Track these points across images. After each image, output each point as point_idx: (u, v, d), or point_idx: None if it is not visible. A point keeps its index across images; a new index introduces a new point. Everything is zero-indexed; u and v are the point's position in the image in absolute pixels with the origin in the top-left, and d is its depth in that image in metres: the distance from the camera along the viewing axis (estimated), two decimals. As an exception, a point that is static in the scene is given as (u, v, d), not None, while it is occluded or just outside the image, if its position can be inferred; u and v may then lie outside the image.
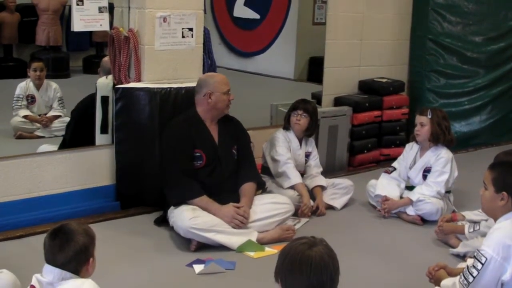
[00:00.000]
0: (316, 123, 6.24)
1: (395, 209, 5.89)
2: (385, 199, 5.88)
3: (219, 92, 5.32)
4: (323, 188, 6.12)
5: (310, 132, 6.17)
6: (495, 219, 3.85)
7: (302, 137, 6.17)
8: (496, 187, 3.79)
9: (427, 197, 5.75)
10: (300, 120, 6.03)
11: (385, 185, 6.02)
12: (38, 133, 7.61)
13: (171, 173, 5.22)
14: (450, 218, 5.36)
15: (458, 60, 8.59)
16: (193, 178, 5.21)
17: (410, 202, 5.82)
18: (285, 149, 6.01)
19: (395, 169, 6.12)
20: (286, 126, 6.14)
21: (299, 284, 2.64)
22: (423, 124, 5.89)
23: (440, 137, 5.86)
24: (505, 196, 3.75)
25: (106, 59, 6.44)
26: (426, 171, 5.92)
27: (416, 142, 6.06)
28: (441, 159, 5.86)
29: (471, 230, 4.99)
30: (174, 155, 5.24)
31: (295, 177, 5.95)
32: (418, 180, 5.95)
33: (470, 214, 5.28)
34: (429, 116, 5.86)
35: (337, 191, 6.19)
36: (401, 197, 5.95)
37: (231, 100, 5.42)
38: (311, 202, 5.94)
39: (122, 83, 5.75)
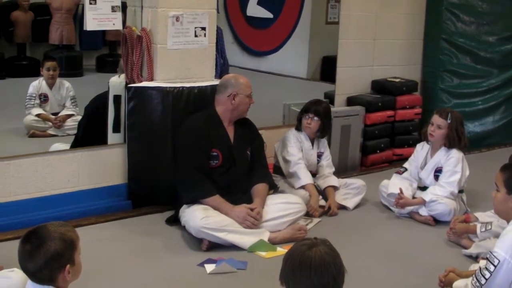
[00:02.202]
0: (328, 125, 6.21)
1: (408, 208, 5.87)
2: (400, 197, 5.84)
3: (244, 94, 5.35)
4: (335, 188, 6.10)
5: (322, 133, 6.16)
6: (508, 221, 3.83)
7: (314, 138, 6.16)
8: (508, 189, 3.77)
9: (440, 197, 5.73)
10: (311, 123, 6.02)
11: (397, 184, 5.98)
12: (50, 131, 7.64)
13: (186, 171, 5.22)
14: (464, 219, 5.34)
15: (471, 60, 8.56)
16: (207, 177, 5.21)
17: (423, 202, 5.79)
18: (296, 150, 6.01)
19: (406, 169, 6.10)
20: (298, 127, 6.13)
21: (301, 285, 2.63)
22: (440, 127, 5.83)
23: (456, 142, 5.83)
24: (517, 198, 3.74)
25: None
26: (438, 172, 5.89)
27: (427, 141, 6.03)
28: (451, 159, 5.83)
29: (483, 229, 4.97)
30: (190, 152, 5.24)
31: (305, 178, 5.94)
32: (429, 181, 5.93)
33: (483, 216, 5.25)
34: (449, 121, 5.80)
35: (350, 191, 6.17)
36: (413, 197, 5.92)
37: (253, 103, 5.46)
38: (324, 202, 5.94)
39: (134, 82, 5.75)
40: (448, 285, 4.11)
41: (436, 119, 5.88)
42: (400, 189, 5.85)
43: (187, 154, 5.26)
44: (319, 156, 6.20)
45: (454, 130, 5.82)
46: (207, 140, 5.28)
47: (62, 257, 2.91)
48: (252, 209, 5.15)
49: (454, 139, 5.82)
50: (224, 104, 5.38)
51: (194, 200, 5.15)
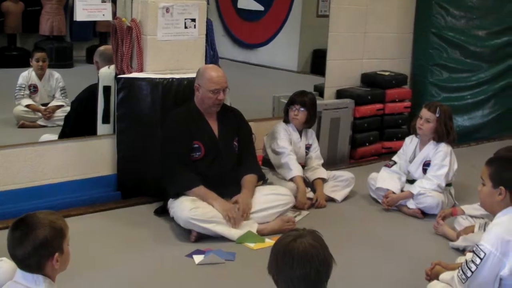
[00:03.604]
0: (315, 115, 6.22)
1: (396, 203, 5.90)
2: (386, 196, 5.89)
3: (205, 88, 5.29)
4: (324, 180, 6.12)
5: (309, 124, 6.18)
6: (494, 214, 3.86)
7: (302, 129, 6.18)
8: (494, 182, 3.80)
9: (427, 190, 5.75)
10: (298, 114, 6.03)
11: (385, 178, 6.02)
12: (40, 122, 7.63)
13: (169, 164, 5.24)
14: (450, 213, 5.37)
15: (461, 54, 8.58)
16: (191, 169, 5.22)
17: (411, 195, 5.82)
18: (287, 142, 6.01)
19: (395, 162, 6.12)
20: (286, 119, 6.14)
21: (285, 276, 2.64)
22: (429, 120, 5.84)
23: (444, 136, 5.85)
24: (503, 191, 3.76)
25: (102, 48, 6.46)
26: (426, 165, 5.91)
27: (416, 135, 6.05)
28: (439, 153, 5.85)
29: (482, 229, 4.97)
30: (171, 146, 5.26)
31: (296, 169, 5.95)
32: (418, 174, 5.95)
33: (469, 208, 5.27)
34: (437, 115, 5.82)
35: (338, 184, 6.19)
36: (402, 190, 5.95)
37: (220, 100, 5.34)
38: (312, 195, 5.96)
39: (124, 73, 5.76)
40: (435, 278, 4.13)
41: (424, 112, 5.89)
42: (388, 191, 5.91)
43: (168, 148, 5.28)
44: (308, 148, 6.22)
45: (443, 124, 5.83)
46: (186, 133, 5.28)
47: (51, 245, 2.91)
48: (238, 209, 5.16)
49: (443, 133, 5.84)
50: (195, 96, 5.40)
51: (179, 193, 5.16)
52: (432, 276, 4.18)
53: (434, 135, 5.88)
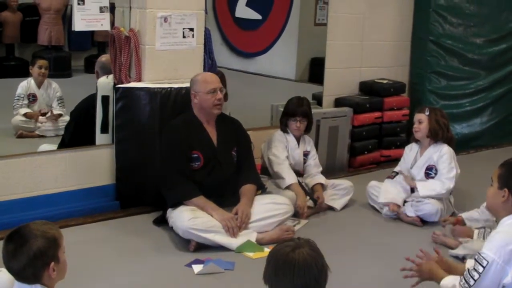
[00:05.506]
0: (312, 118, 6.23)
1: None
2: (392, 209, 5.91)
3: (202, 91, 5.29)
4: (323, 186, 6.11)
5: (308, 130, 6.19)
6: (497, 218, 3.85)
7: (300, 136, 6.17)
8: (500, 183, 3.79)
9: (433, 191, 5.76)
10: (300, 126, 6.03)
11: (389, 190, 5.98)
12: (38, 132, 7.62)
13: (168, 175, 5.23)
14: (454, 222, 5.35)
15: (459, 61, 8.59)
16: (190, 179, 5.21)
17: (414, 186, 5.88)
18: (281, 150, 6.00)
19: (397, 173, 6.12)
20: (283, 129, 6.13)
21: (283, 286, 2.64)
22: (421, 121, 5.92)
23: (439, 133, 5.87)
24: (506, 194, 3.75)
25: (103, 59, 6.44)
26: (429, 169, 5.93)
27: (416, 142, 6.06)
28: (444, 155, 5.86)
29: (481, 237, 4.97)
30: (170, 156, 5.25)
31: (289, 178, 5.92)
32: (420, 177, 5.96)
33: (469, 214, 5.25)
34: (427, 113, 5.88)
35: (337, 192, 6.18)
36: (405, 201, 5.93)
37: (219, 100, 5.32)
38: (311, 203, 5.94)
39: (122, 83, 5.75)
40: (423, 275, 4.03)
41: (416, 116, 6.00)
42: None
43: (167, 159, 5.28)
44: (306, 155, 6.21)
45: (435, 121, 5.88)
46: (186, 143, 5.27)
47: (45, 255, 2.90)
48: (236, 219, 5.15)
49: (437, 130, 5.87)
50: (194, 105, 5.39)
51: (178, 203, 5.16)
52: (420, 270, 4.06)
53: (428, 134, 5.89)
